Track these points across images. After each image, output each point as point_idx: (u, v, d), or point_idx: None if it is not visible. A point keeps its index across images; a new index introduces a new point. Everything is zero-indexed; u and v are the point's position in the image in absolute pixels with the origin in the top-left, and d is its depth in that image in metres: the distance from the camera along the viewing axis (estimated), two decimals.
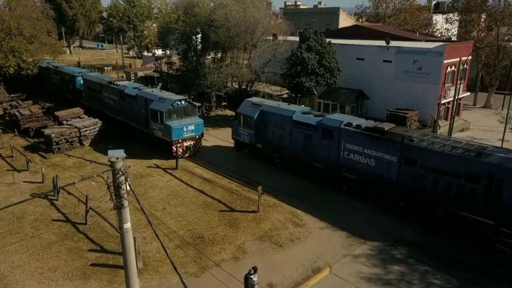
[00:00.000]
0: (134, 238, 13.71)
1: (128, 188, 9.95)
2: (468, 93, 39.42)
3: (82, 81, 37.81)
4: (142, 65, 61.15)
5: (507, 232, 16.50)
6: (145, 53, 62.65)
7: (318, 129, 22.97)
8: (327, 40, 34.26)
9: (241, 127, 27.32)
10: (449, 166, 17.88)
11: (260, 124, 26.06)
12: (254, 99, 28.42)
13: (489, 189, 16.88)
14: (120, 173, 9.63)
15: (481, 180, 17.00)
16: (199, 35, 40.10)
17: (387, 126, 20.97)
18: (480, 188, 17.10)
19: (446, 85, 34.52)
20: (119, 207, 10.07)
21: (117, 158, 9.65)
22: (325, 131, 22.60)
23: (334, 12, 74.86)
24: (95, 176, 10.69)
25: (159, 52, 56.38)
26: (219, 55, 41.10)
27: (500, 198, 16.64)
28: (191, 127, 27.29)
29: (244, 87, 39.34)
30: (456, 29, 51.53)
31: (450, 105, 34.88)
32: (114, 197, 9.89)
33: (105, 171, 9.85)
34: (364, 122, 22.05)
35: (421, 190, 19.06)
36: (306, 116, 24.08)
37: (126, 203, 10.14)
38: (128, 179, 9.86)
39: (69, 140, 28.54)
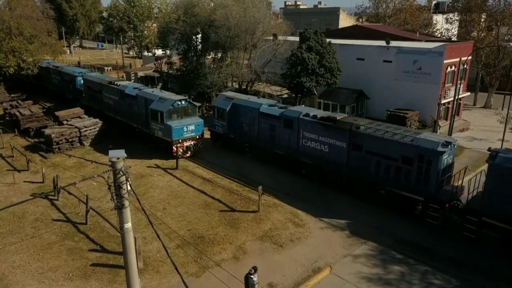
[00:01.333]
0: (135, 238, 13.72)
1: (129, 188, 9.96)
2: (468, 93, 39.43)
3: (82, 81, 37.82)
4: (142, 65, 61.16)
5: (433, 206, 18.71)
6: (145, 53, 62.66)
7: (281, 120, 25.02)
8: (327, 40, 34.28)
9: (216, 119, 29.42)
10: (389, 150, 20.02)
11: (232, 116, 28.09)
12: (228, 93, 30.53)
13: (420, 170, 19.06)
14: (121, 173, 9.64)
15: (413, 162, 19.19)
16: (199, 35, 40.13)
17: (339, 116, 23.42)
18: (413, 169, 19.26)
19: (446, 85, 34.54)
20: (119, 207, 10.08)
21: (118, 158, 9.66)
22: (287, 121, 24.70)
23: (334, 12, 74.85)
24: (96, 176, 10.67)
25: (159, 52, 56.37)
26: (219, 55, 41.14)
27: (428, 177, 18.82)
28: (191, 127, 27.30)
29: (244, 87, 39.35)
30: (456, 29, 51.55)
31: (450, 105, 34.89)
32: (114, 197, 9.90)
33: (106, 171, 9.85)
34: (320, 113, 24.21)
35: (366, 172, 21.15)
36: (272, 108, 26.04)
37: (126, 203, 10.15)
38: (129, 179, 9.87)
39: (70, 140, 28.55)
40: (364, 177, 21.30)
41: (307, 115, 23.76)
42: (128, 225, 10.51)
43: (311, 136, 23.56)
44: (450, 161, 19.38)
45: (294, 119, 24.28)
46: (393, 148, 19.82)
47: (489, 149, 17.49)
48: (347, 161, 21.92)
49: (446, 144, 18.71)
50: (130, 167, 10.72)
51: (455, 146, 19.64)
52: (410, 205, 19.67)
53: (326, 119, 22.76)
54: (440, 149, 18.34)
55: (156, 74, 47.35)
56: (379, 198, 20.87)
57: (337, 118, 22.48)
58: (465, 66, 34.09)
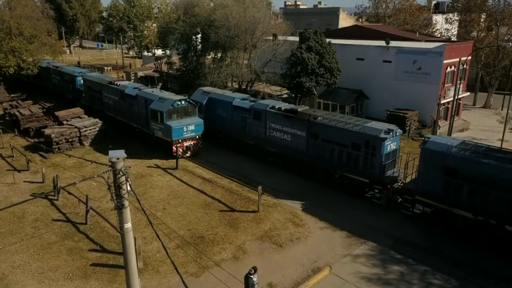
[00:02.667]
0: (135, 238, 13.74)
1: (129, 188, 9.97)
2: (468, 93, 39.48)
3: (82, 81, 37.82)
4: (142, 65, 61.17)
5: (377, 188, 20.83)
6: (145, 53, 62.67)
7: (251, 112, 26.91)
8: (327, 40, 34.31)
9: None
10: (341, 138, 21.96)
11: (209, 109, 29.54)
12: (205, 88, 32.28)
13: (366, 155, 20.96)
14: (121, 173, 9.65)
15: (361, 147, 21.07)
16: (199, 35, 40.16)
17: (300, 108, 25.42)
18: (361, 154, 21.17)
19: (445, 85, 34.58)
20: (119, 207, 10.10)
21: (118, 159, 9.68)
22: (256, 113, 26.58)
23: (334, 12, 74.89)
24: (95, 176, 10.69)
25: (159, 52, 56.39)
26: (219, 55, 41.18)
27: (372, 161, 20.73)
28: (191, 127, 27.32)
29: (244, 87, 39.37)
30: (456, 29, 51.57)
31: (449, 105, 34.93)
32: (114, 197, 9.92)
33: (105, 172, 9.87)
34: (285, 105, 25.99)
35: (322, 159, 23.11)
36: (243, 102, 27.87)
37: (126, 203, 10.17)
38: (129, 179, 9.89)
39: (69, 140, 28.56)
40: (320, 163, 23.28)
41: (273, 107, 25.63)
42: (128, 225, 10.53)
43: (276, 126, 25.43)
44: (394, 147, 21.05)
45: (262, 111, 26.12)
46: (344, 135, 21.75)
47: (422, 136, 18.78)
48: (307, 149, 23.83)
49: (389, 131, 20.51)
50: (130, 167, 10.75)
51: (398, 134, 21.27)
52: (359, 187, 21.77)
53: (289, 111, 24.73)
54: (382, 135, 20.26)
55: (156, 74, 47.39)
56: (333, 182, 22.87)
57: (298, 110, 24.52)
58: (464, 66, 34.12)
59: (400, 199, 20.68)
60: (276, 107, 25.50)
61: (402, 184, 20.94)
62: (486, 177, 16.76)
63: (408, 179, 21.21)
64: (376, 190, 21.13)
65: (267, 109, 25.77)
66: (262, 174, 24.88)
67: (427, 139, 18.98)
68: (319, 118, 23.17)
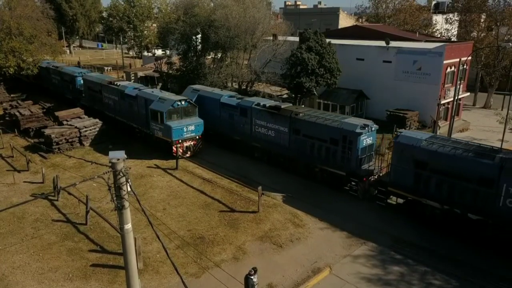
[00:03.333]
0: (135, 239, 13.73)
1: (129, 189, 9.97)
2: (468, 94, 39.48)
3: (82, 81, 37.81)
4: (142, 65, 61.16)
5: (354, 180, 21.81)
6: (145, 53, 62.67)
7: (237, 109, 27.67)
8: (327, 40, 34.30)
9: None
10: (320, 133, 22.88)
11: (198, 106, 28.93)
12: (195, 86, 32.70)
13: (343, 149, 21.97)
14: (121, 174, 9.65)
15: (339, 142, 22.06)
16: (199, 35, 40.15)
17: (283, 105, 26.34)
18: (338, 149, 22.17)
19: (446, 85, 34.58)
20: (120, 208, 10.10)
21: (118, 159, 9.67)
22: (242, 110, 27.34)
23: (334, 12, 74.86)
24: (96, 177, 10.68)
25: (159, 52, 56.38)
26: (219, 55, 41.16)
27: (349, 155, 21.77)
28: (191, 128, 27.32)
29: (244, 87, 39.36)
30: (456, 29, 51.58)
31: (450, 106, 34.93)
32: (115, 198, 9.91)
33: (106, 172, 9.87)
34: (269, 102, 26.91)
35: (304, 153, 24.00)
36: (230, 99, 28.60)
37: (126, 204, 10.17)
38: (129, 180, 9.88)
39: (69, 140, 28.55)
40: (302, 157, 24.21)
41: (258, 104, 26.56)
42: (128, 226, 10.53)
43: (261, 123, 26.37)
44: (370, 142, 22.00)
45: (248, 108, 26.93)
46: (324, 131, 22.71)
47: (396, 131, 19.96)
48: (289, 144, 24.79)
49: (364, 126, 21.51)
50: (130, 168, 10.74)
51: (373, 129, 22.11)
52: (337, 180, 22.73)
53: (273, 107, 25.69)
54: (358, 130, 21.25)
55: (156, 74, 47.38)
56: (314, 175, 23.83)
57: (281, 107, 25.51)
58: (464, 66, 34.13)
59: (376, 191, 21.63)
60: (261, 104, 26.46)
61: (377, 177, 21.94)
62: (452, 168, 17.79)
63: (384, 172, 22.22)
64: (353, 183, 21.98)
65: (253, 106, 26.63)
66: (262, 175, 24.85)
67: (399, 134, 20.08)
68: (300, 114, 24.21)
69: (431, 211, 18.98)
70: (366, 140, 21.69)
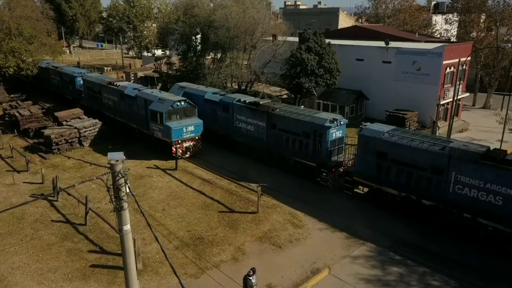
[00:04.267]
0: (134, 239, 13.75)
1: (128, 190, 9.98)
2: (467, 94, 39.51)
3: (82, 82, 37.81)
4: (142, 66, 61.13)
5: (322, 170, 23.31)
6: (145, 53, 62.64)
7: (220, 105, 28.74)
8: (327, 41, 34.32)
9: None
10: (294, 127, 24.21)
11: None
12: (181, 83, 33.76)
13: (314, 142, 23.32)
14: (120, 175, 9.66)
15: (310, 135, 23.41)
16: (199, 36, 40.15)
17: (262, 101, 27.76)
18: (310, 142, 23.49)
19: (445, 86, 34.60)
20: (118, 209, 10.11)
21: (117, 161, 9.69)
22: (224, 106, 28.49)
23: (334, 12, 74.86)
24: (95, 178, 10.70)
25: (158, 52, 56.35)
26: (219, 55, 41.15)
27: (320, 147, 23.10)
28: (191, 128, 27.33)
29: (244, 87, 39.38)
30: (456, 29, 51.59)
31: (449, 106, 34.96)
32: (114, 200, 9.93)
33: (105, 174, 9.88)
34: (249, 99, 28.08)
35: (280, 146, 25.35)
36: (214, 95, 29.73)
37: (126, 205, 10.18)
38: (128, 181, 9.89)
39: (69, 140, 28.56)
40: (278, 150, 25.53)
41: (239, 100, 27.73)
42: (127, 227, 10.55)
43: (241, 118, 27.53)
44: (339, 135, 23.39)
45: (229, 104, 28.10)
46: (297, 125, 24.06)
47: (361, 124, 21.95)
48: (267, 138, 26.05)
49: (333, 120, 22.92)
50: (129, 169, 10.76)
51: (342, 123, 23.46)
52: (309, 171, 23.95)
53: (252, 103, 26.95)
54: (327, 124, 22.61)
55: (156, 75, 47.35)
56: (289, 167, 24.99)
57: (260, 103, 26.86)
58: (464, 66, 34.15)
59: (342, 180, 23.05)
60: (242, 100, 27.70)
61: (346, 168, 23.28)
62: (408, 158, 19.17)
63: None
64: (323, 174, 23.37)
65: (234, 102, 27.88)
66: (262, 175, 24.87)
67: (363, 127, 21.31)
68: (276, 110, 25.56)
69: (391, 198, 20.28)
70: (335, 133, 23.07)
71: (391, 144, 19.67)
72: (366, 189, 22.25)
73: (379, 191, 20.75)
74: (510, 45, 30.17)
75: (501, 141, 28.93)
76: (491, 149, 17.99)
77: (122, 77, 49.99)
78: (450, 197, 18.16)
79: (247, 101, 27.34)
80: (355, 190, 22.55)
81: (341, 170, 23.14)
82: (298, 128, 24.01)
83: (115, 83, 32.87)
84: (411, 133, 20.49)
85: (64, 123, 30.65)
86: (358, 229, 18.92)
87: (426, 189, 18.88)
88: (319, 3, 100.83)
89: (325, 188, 23.22)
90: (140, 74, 50.53)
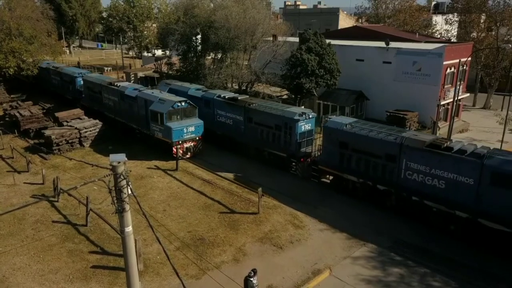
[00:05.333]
0: (135, 240, 13.75)
1: (130, 192, 9.98)
2: (468, 94, 39.52)
3: (82, 82, 37.81)
4: (142, 66, 61.12)
5: (292, 160, 25.09)
6: (145, 54, 62.61)
7: (202, 100, 30.03)
8: (327, 41, 34.31)
9: None
10: (267, 120, 25.92)
11: None
12: (167, 80, 36.02)
13: (285, 134, 25.00)
14: (122, 177, 9.66)
15: (281, 128, 25.09)
16: (199, 36, 40.14)
17: (240, 96, 29.34)
18: (282, 134, 25.20)
19: (445, 86, 34.61)
20: (120, 211, 10.11)
21: (119, 162, 9.67)
22: (206, 101, 29.93)
23: (334, 13, 74.83)
24: (96, 180, 10.71)
25: (158, 52, 56.30)
26: (219, 56, 41.14)
27: (290, 139, 24.79)
28: (191, 129, 27.35)
29: (244, 88, 39.38)
30: (456, 30, 51.60)
31: (449, 106, 34.96)
32: (115, 201, 9.92)
33: (107, 175, 9.88)
34: (229, 94, 29.74)
35: (255, 139, 26.92)
36: (197, 91, 31.26)
37: (127, 207, 10.18)
38: (130, 183, 9.89)
39: (69, 141, 28.56)
40: (254, 142, 27.11)
41: (219, 96, 29.37)
42: (129, 228, 10.54)
43: (221, 113, 28.98)
44: (308, 128, 24.98)
45: (210, 100, 29.65)
46: (270, 119, 25.71)
47: (326, 118, 24.08)
48: (244, 131, 27.55)
49: (302, 114, 24.62)
50: (131, 170, 10.76)
51: (311, 117, 25.07)
52: (281, 161, 25.68)
53: (231, 99, 28.58)
54: (296, 117, 24.29)
55: (156, 75, 47.34)
56: (264, 158, 26.69)
57: (238, 98, 28.51)
58: (464, 67, 34.15)
59: (310, 170, 24.80)
60: (221, 95, 29.33)
61: (313, 158, 25.00)
62: (366, 147, 20.80)
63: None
64: (293, 163, 25.18)
65: (214, 98, 29.49)
66: (262, 175, 24.88)
67: (328, 119, 23.40)
68: (252, 104, 27.16)
69: (352, 184, 21.99)
70: (304, 126, 24.73)
71: (351, 135, 21.35)
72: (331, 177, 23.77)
73: (341, 178, 22.36)
74: (510, 45, 30.16)
75: (502, 141, 28.93)
76: (438, 138, 19.95)
77: (122, 77, 49.99)
78: (401, 182, 19.75)
79: (226, 97, 29.02)
80: (323, 179, 23.99)
81: (309, 160, 24.92)
82: (271, 121, 25.68)
83: (115, 84, 32.88)
84: (370, 125, 22.12)
85: (65, 123, 30.66)
86: (358, 229, 18.90)
87: (381, 175, 20.50)
88: (319, 3, 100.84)
89: (295, 177, 24.98)
90: (140, 74, 50.55)
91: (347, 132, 21.55)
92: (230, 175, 24.85)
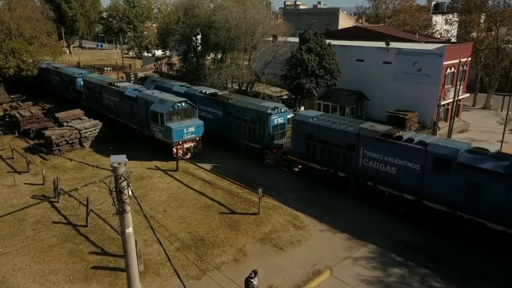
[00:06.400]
0: (136, 241, 13.73)
1: (130, 193, 9.96)
2: (468, 94, 39.52)
3: (82, 82, 37.79)
4: (142, 66, 61.11)
5: (266, 151, 26.68)
6: (145, 54, 62.63)
7: (185, 96, 30.57)
8: (327, 41, 34.31)
9: None
10: (244, 114, 27.48)
11: None
12: (154, 77, 38.09)
13: (260, 127, 26.60)
14: (122, 178, 9.64)
15: (256, 121, 26.73)
16: (199, 36, 40.15)
17: (220, 92, 31.10)
18: (257, 127, 26.79)
19: (445, 86, 34.61)
20: (121, 212, 10.10)
21: (119, 164, 9.66)
22: (188, 97, 30.35)
23: (334, 13, 74.86)
24: (97, 181, 10.71)
25: (158, 52, 56.34)
26: (219, 56, 41.14)
27: (263, 131, 26.42)
28: (192, 129, 27.34)
29: (244, 88, 39.39)
30: (456, 30, 51.60)
31: (449, 106, 34.96)
32: (116, 202, 9.91)
33: (107, 177, 9.87)
34: (210, 90, 31.46)
35: (234, 132, 28.18)
36: (180, 87, 32.77)
37: (128, 208, 10.18)
38: (130, 184, 9.88)
39: (70, 141, 28.55)
40: (232, 135, 28.41)
41: (201, 92, 31.04)
42: (130, 229, 10.54)
43: (203, 107, 30.09)
44: (281, 121, 26.52)
45: (193, 95, 30.86)
46: (246, 113, 27.27)
47: (294, 111, 25.36)
48: (223, 124, 28.82)
49: (275, 108, 26.32)
50: (132, 172, 10.76)
51: (284, 111, 26.68)
52: (256, 152, 27.09)
53: (211, 94, 30.31)
54: (269, 111, 25.95)
55: (156, 75, 47.32)
56: (240, 150, 28.00)
57: (218, 93, 30.35)
58: (464, 67, 34.14)
59: (281, 160, 26.50)
60: (203, 91, 30.93)
61: (285, 149, 26.59)
62: (329, 138, 22.63)
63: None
64: (267, 155, 26.79)
65: (196, 93, 30.97)
66: (262, 176, 24.89)
67: (296, 113, 25.63)
68: (231, 100, 28.73)
69: (317, 172, 23.66)
70: (277, 119, 26.31)
71: (316, 127, 23.17)
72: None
73: (307, 167, 24.18)
74: (510, 45, 30.16)
75: (502, 141, 28.95)
76: (392, 129, 21.68)
77: (122, 77, 49.97)
78: (359, 169, 21.58)
79: (207, 92, 30.69)
80: (295, 168, 25.68)
81: (281, 151, 26.63)
82: (247, 115, 27.29)
83: (115, 84, 32.87)
84: (334, 117, 24.49)
85: (65, 124, 30.64)
86: (359, 230, 18.89)
87: (342, 163, 22.33)
88: (319, 3, 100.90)
89: (269, 167, 26.69)
90: (140, 74, 50.47)
91: (313, 124, 23.35)
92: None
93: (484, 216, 17.22)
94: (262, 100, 30.61)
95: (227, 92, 32.35)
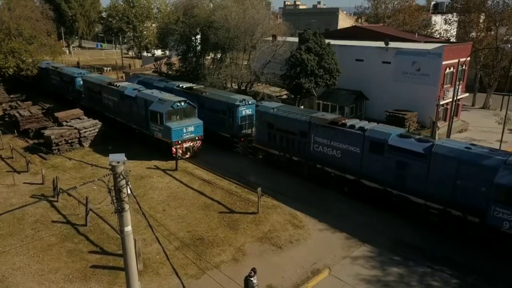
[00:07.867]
0: (134, 240, 13.76)
1: (129, 192, 9.99)
2: (467, 94, 39.54)
3: (81, 82, 37.81)
4: (141, 66, 61.14)
5: (235, 140, 28.92)
6: (145, 54, 62.65)
7: (165, 90, 32.32)
8: (327, 41, 34.33)
9: None
10: (216, 106, 29.63)
11: None
12: (138, 74, 41.18)
13: (229, 118, 28.79)
14: (121, 177, 9.68)
15: (226, 113, 28.85)
16: (199, 36, 40.16)
17: (195, 86, 33.40)
18: (226, 117, 28.91)
19: (445, 86, 34.63)
20: (120, 211, 10.13)
21: (118, 162, 9.69)
22: (167, 90, 32.01)
23: (333, 13, 74.86)
24: (96, 180, 10.72)
25: (158, 52, 56.33)
26: (219, 56, 41.15)
27: (232, 122, 28.68)
28: (191, 129, 27.37)
29: (244, 88, 39.40)
30: (455, 30, 51.62)
31: (449, 106, 34.99)
32: (115, 201, 9.94)
33: (106, 175, 9.90)
34: (187, 84, 33.54)
35: (209, 123, 29.26)
36: (160, 82, 35.22)
37: (127, 206, 10.21)
38: (129, 183, 9.91)
39: (69, 141, 28.56)
40: (207, 126, 29.11)
41: (178, 86, 33.05)
42: (129, 228, 10.58)
43: None
44: (249, 113, 28.66)
45: (171, 89, 32.72)
46: (217, 105, 29.47)
47: (257, 106, 27.36)
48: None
49: (243, 100, 28.55)
50: (130, 170, 10.77)
51: (251, 103, 28.73)
52: (225, 141, 29.32)
53: (187, 88, 32.52)
54: (237, 103, 28.20)
55: (156, 75, 47.32)
56: (214, 139, 29.57)
57: (193, 87, 32.58)
58: (463, 67, 34.17)
59: (249, 148, 28.71)
60: (180, 85, 32.97)
61: (251, 138, 28.65)
62: (286, 127, 24.81)
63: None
64: (235, 143, 28.90)
65: (174, 87, 32.94)
66: (262, 176, 24.89)
67: (259, 104, 27.39)
68: (204, 93, 31.09)
69: (276, 158, 25.91)
70: (245, 111, 28.52)
71: (275, 117, 25.31)
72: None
73: (269, 153, 26.43)
74: (509, 45, 30.17)
75: (501, 141, 28.97)
76: (339, 117, 24.11)
77: (122, 77, 49.99)
78: (311, 154, 23.83)
79: (184, 86, 32.68)
80: (260, 156, 27.57)
81: (248, 139, 28.72)
82: (218, 107, 29.33)
83: (115, 84, 32.89)
84: (291, 108, 26.83)
85: (64, 123, 30.64)
86: (358, 229, 18.90)
87: (296, 149, 24.57)
88: (319, 3, 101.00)
89: (237, 155, 28.77)
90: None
91: (273, 114, 25.51)
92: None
93: (409, 191, 19.63)
94: (232, 93, 32.75)
95: (202, 86, 34.48)
